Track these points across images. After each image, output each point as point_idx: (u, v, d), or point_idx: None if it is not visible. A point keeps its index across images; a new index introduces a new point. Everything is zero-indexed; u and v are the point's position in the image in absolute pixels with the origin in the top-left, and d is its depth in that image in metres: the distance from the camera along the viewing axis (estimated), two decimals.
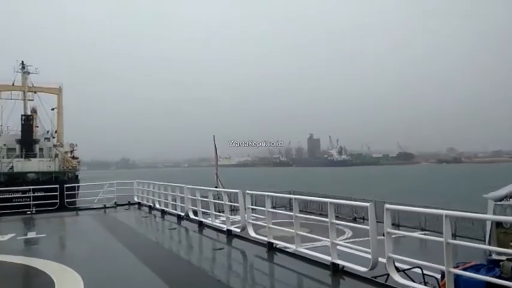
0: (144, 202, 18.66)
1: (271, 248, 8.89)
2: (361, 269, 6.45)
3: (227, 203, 11.13)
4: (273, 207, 13.32)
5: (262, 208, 9.70)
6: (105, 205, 18.96)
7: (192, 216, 13.45)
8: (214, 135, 28.62)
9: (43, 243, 11.64)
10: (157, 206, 16.78)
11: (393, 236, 6.01)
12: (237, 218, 11.08)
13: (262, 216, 10.20)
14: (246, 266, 8.89)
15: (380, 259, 6.10)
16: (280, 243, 8.74)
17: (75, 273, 7.52)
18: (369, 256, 6.16)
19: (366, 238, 6.32)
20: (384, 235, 5.97)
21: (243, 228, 10.12)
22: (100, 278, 7.65)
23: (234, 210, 12.30)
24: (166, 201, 15.73)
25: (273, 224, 9.01)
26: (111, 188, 19.71)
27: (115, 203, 19.35)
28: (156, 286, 6.88)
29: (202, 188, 13.26)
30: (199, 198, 12.80)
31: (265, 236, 9.11)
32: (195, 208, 13.12)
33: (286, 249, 8.57)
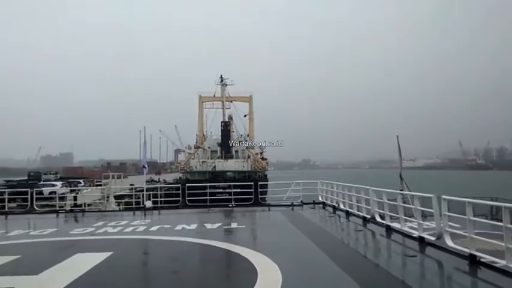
0: (328, 202, 19.07)
1: (473, 261, 7.88)
2: None
3: (419, 208, 10.40)
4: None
5: (459, 216, 8.71)
6: (292, 203, 20.13)
7: (378, 219, 13.08)
8: (397, 136, 27.13)
9: (243, 233, 13.19)
10: (341, 206, 16.93)
11: None
12: (428, 224, 10.24)
13: (456, 225, 9.17)
14: (443, 277, 8.14)
15: None
16: (486, 257, 7.67)
17: (271, 262, 8.24)
18: None
19: None
20: None
21: (439, 237, 9.27)
22: (293, 268, 8.20)
23: (423, 216, 11.42)
24: (350, 202, 15.73)
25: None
26: (297, 187, 20.84)
27: (301, 201, 20.35)
28: (346, 283, 6.99)
29: (389, 190, 12.75)
30: (386, 201, 12.34)
31: (466, 247, 8.15)
32: (382, 211, 12.70)
33: (494, 264, 7.46)
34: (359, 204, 14.78)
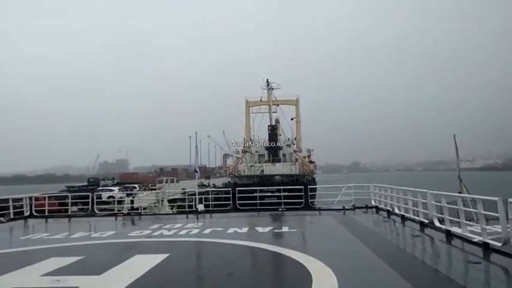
0: (382, 206, 18.45)
1: None
2: None
3: (482, 211, 9.79)
4: None
5: None
6: (343, 207, 19.73)
7: (437, 224, 12.47)
8: (454, 134, 25.68)
9: (295, 236, 13.12)
10: (396, 211, 16.31)
11: None
12: (490, 228, 9.62)
13: None
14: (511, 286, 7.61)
15: None
16: None
17: (325, 267, 8.11)
18: None
19: None
20: None
21: (505, 242, 8.68)
22: (348, 272, 8.01)
23: (485, 219, 10.75)
24: (406, 206, 15.12)
25: None
26: (348, 191, 20.39)
27: (353, 205, 19.90)
28: None
29: (448, 193, 12.13)
30: (446, 205, 11.73)
31: None
32: (441, 216, 12.10)
33: None
34: (415, 208, 14.18)
